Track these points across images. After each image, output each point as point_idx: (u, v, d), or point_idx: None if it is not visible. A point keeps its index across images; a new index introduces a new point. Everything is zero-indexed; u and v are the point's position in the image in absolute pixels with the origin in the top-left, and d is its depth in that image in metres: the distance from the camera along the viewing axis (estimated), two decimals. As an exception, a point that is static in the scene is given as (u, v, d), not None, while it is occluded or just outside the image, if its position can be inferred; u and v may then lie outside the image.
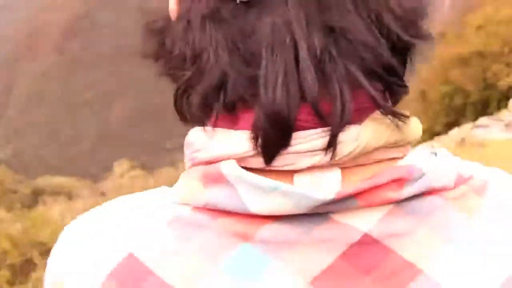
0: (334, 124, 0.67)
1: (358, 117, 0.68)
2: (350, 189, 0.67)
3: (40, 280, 23.31)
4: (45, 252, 27.76)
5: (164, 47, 0.80)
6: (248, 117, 0.70)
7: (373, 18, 0.68)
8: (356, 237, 0.69)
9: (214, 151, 0.72)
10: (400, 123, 0.70)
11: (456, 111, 20.28)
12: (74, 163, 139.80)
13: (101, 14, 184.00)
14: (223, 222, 0.70)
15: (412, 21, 0.71)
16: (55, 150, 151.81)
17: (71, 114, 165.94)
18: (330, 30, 0.69)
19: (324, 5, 0.69)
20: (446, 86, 21.10)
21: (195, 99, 0.74)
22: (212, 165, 0.71)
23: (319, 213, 0.69)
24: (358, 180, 0.69)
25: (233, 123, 0.72)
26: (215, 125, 0.73)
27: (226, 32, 0.72)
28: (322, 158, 0.68)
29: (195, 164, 0.74)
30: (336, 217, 0.69)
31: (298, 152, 0.69)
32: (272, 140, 0.68)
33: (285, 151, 0.69)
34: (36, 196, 42.60)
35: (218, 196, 0.70)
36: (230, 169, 0.69)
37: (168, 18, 0.80)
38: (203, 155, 0.73)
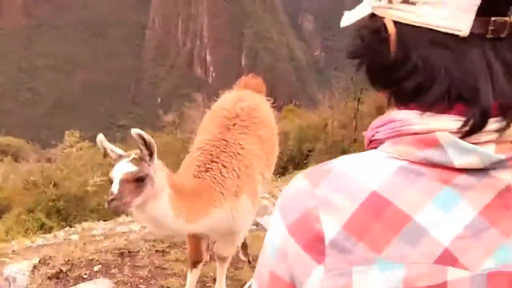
0: (509, 116, 1.17)
1: None
2: (510, 155, 1.16)
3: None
4: (-14, 207, 27.55)
5: (371, 49, 1.29)
6: (459, 108, 1.17)
7: None
8: (504, 186, 1.16)
9: (430, 125, 1.18)
10: None
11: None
12: (26, 125, 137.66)
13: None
14: (435, 172, 1.16)
15: None
16: (10, 110, 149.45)
17: (32, 77, 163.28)
18: (506, 64, 1.18)
19: (500, 48, 1.19)
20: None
21: (428, 96, 1.19)
22: (427, 134, 1.17)
23: (484, 169, 1.15)
24: (506, 150, 1.18)
25: (446, 111, 1.18)
26: (429, 111, 1.19)
27: (449, 54, 1.19)
28: (495, 136, 1.18)
29: (402, 134, 1.21)
30: (493, 173, 1.16)
31: (482, 131, 1.16)
32: (478, 124, 1.15)
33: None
34: (-18, 153, 42.01)
35: (433, 154, 1.16)
36: (445, 136, 1.15)
37: (375, 29, 1.28)
38: (418, 127, 1.19)
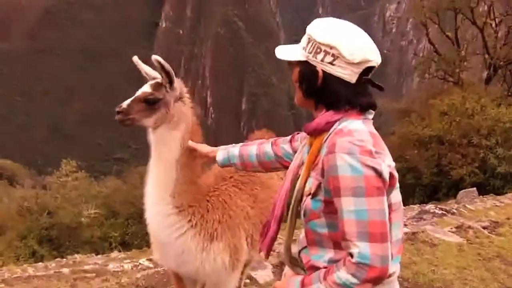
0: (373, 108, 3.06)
1: None
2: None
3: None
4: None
5: (309, 80, 2.91)
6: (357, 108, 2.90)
7: None
8: (371, 119, 3.00)
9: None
10: None
11: (406, 190, 20.24)
12: (23, 149, 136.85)
13: (82, 9, 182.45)
14: (369, 121, 2.88)
15: None
16: (7, 133, 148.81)
17: (30, 101, 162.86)
18: (368, 93, 3.00)
19: (366, 87, 3.01)
20: (401, 164, 21.22)
21: (336, 106, 2.87)
22: (364, 115, 2.87)
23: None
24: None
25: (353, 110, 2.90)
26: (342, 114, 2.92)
27: (346, 89, 2.83)
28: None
29: (347, 115, 2.83)
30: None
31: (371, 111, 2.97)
32: (366, 109, 2.93)
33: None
34: (-23, 174, 41.81)
35: (366, 116, 2.88)
36: (368, 112, 2.91)
37: (311, 71, 2.90)
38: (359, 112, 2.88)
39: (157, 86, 4.26)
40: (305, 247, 3.06)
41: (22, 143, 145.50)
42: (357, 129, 2.75)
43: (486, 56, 34.07)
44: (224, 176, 5.06)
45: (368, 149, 2.64)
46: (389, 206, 2.73)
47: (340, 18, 3.07)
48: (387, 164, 2.70)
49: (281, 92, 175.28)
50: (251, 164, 3.94)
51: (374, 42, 2.95)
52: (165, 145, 4.33)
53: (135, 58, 4.43)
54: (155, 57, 4.09)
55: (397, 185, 2.87)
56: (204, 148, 4.24)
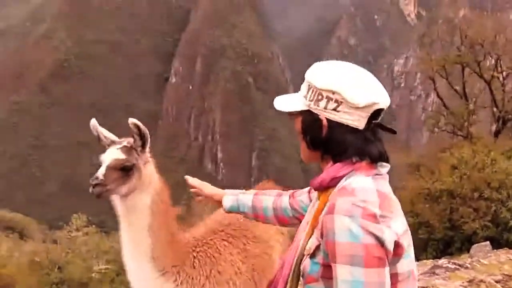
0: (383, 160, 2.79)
1: None
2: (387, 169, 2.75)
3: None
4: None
5: (312, 129, 2.68)
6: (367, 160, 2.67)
7: None
8: (386, 175, 2.71)
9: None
10: None
11: (418, 244, 19.95)
12: (34, 203, 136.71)
13: (93, 63, 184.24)
14: (382, 177, 2.64)
15: None
16: (19, 186, 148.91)
17: (41, 154, 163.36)
18: (378, 139, 2.75)
19: (375, 132, 2.75)
20: (413, 218, 21.05)
21: (345, 156, 2.62)
22: (376, 169, 2.64)
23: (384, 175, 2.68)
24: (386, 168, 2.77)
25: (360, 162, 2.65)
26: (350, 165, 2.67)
27: (353, 137, 2.60)
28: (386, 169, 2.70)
29: (356, 169, 2.60)
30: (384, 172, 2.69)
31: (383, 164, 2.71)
32: (376, 161, 2.66)
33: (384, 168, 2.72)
34: (-12, 228, 41.76)
35: (377, 171, 2.63)
36: (380, 165, 2.66)
37: (314, 119, 2.66)
38: (364, 165, 2.63)
39: (128, 151, 4.13)
40: None
41: (33, 197, 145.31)
42: (363, 187, 2.48)
43: (495, 109, 34.15)
44: (215, 229, 4.92)
45: (371, 212, 2.37)
46: (395, 275, 2.47)
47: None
48: (393, 230, 2.42)
49: (291, 147, 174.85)
50: (265, 217, 3.67)
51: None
52: (136, 211, 4.18)
53: (93, 122, 4.31)
54: (132, 120, 4.04)
55: (407, 254, 2.53)
56: (207, 188, 3.96)
